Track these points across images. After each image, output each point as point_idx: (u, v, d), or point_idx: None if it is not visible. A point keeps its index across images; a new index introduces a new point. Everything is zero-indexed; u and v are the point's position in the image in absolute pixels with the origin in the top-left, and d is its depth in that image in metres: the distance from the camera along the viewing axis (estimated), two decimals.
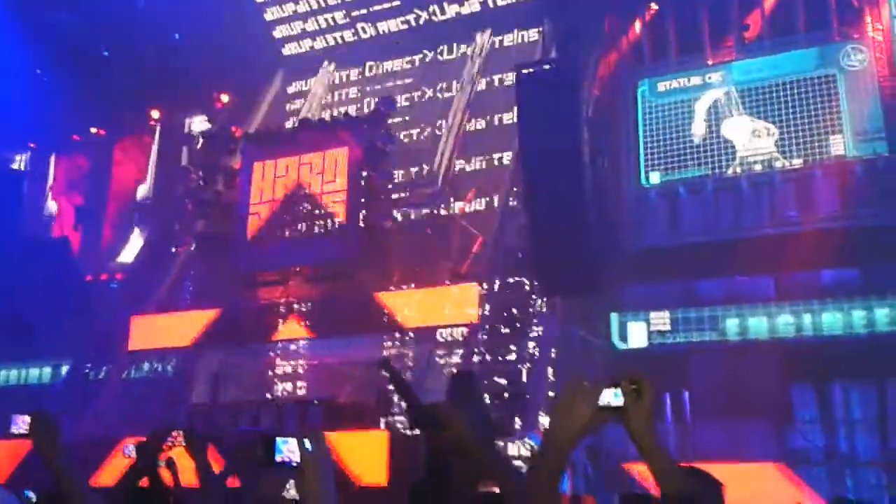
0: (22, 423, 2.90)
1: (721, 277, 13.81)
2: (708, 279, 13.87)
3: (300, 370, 17.13)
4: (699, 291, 13.96)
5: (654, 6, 15.64)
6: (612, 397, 2.04)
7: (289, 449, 2.44)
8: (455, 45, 18.60)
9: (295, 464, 2.40)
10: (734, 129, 14.79)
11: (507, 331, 14.90)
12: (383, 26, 19.09)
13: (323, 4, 19.31)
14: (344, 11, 19.24)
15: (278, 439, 2.48)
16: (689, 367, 12.67)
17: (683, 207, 14.35)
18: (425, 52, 18.90)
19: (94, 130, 20.33)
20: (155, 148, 20.04)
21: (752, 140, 14.53)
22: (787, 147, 14.33)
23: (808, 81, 14.51)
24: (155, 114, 20.08)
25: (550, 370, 14.44)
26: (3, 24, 19.39)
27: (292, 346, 17.21)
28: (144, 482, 3.88)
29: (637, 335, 13.92)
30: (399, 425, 13.17)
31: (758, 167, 14.48)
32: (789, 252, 13.19)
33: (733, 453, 12.54)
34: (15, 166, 20.13)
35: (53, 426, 2.77)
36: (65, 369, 17.86)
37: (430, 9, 18.51)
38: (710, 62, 15.33)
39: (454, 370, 13.46)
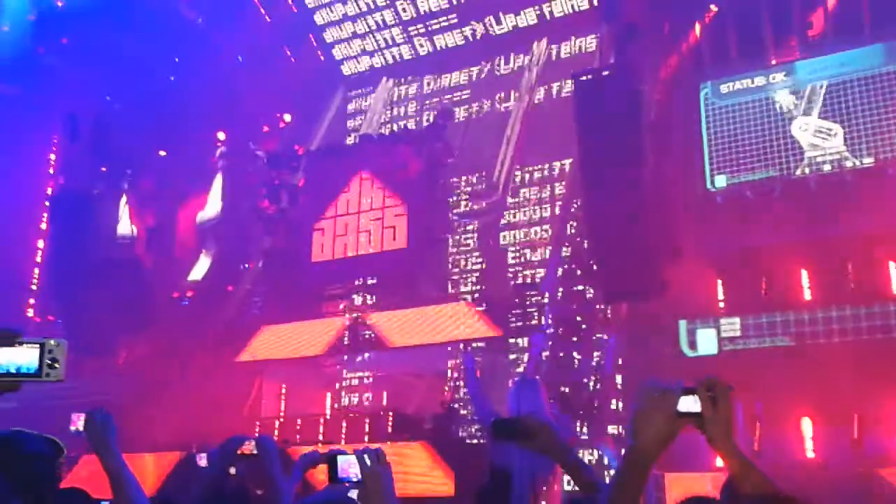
0: (78, 420, 2.90)
1: (793, 279, 13.49)
2: (779, 282, 13.56)
3: (366, 381, 17.30)
4: (771, 295, 13.64)
5: (713, 7, 15.40)
6: (690, 404, 2.01)
7: (349, 465, 2.49)
8: (512, 56, 18.61)
9: (356, 479, 2.46)
10: (801, 130, 14.46)
11: (571, 339, 14.81)
12: (440, 41, 19.22)
13: (381, 23, 19.54)
14: (401, 28, 19.44)
15: (339, 457, 2.53)
16: (763, 374, 12.35)
17: (751, 210, 14.04)
18: (483, 63, 18.95)
19: (162, 153, 20.87)
20: (221, 168, 20.49)
21: (820, 140, 14.18)
22: (857, 146, 13.94)
23: (876, 78, 14.11)
24: (221, 135, 20.55)
25: (617, 378, 14.30)
26: (72, 51, 20.13)
27: (358, 359, 17.40)
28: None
29: (707, 342, 13.66)
30: (464, 435, 13.19)
31: (827, 167, 14.11)
32: (862, 252, 12.83)
33: (816, 460, 12.22)
34: (84, 192, 20.63)
35: (108, 423, 2.74)
36: None
37: (487, 21, 18.56)
38: (773, 62, 15.02)
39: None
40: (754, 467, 2.15)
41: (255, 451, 4.01)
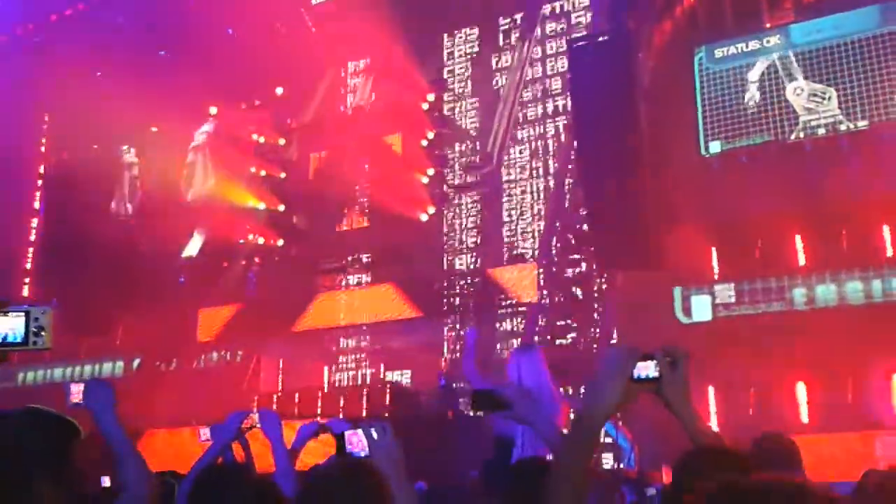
0: (77, 393, 2.85)
1: (787, 245, 13.51)
2: (774, 247, 13.58)
3: (363, 355, 17.35)
4: (765, 260, 13.67)
5: None
6: (647, 369, 2.04)
7: (357, 439, 2.50)
8: (504, 23, 18.33)
9: (364, 454, 2.46)
10: (795, 94, 14.39)
11: (567, 309, 14.86)
12: None
13: None
14: None
15: (346, 431, 2.53)
16: (757, 339, 12.41)
17: (746, 175, 14.01)
18: (475, 31, 18.68)
19: (154, 129, 20.72)
20: (210, 143, 20.34)
21: (815, 103, 14.14)
22: (852, 109, 13.89)
23: (871, 40, 14.03)
24: (212, 109, 20.38)
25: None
26: (62, 27, 19.92)
27: (354, 332, 17.44)
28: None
29: (701, 309, 13.70)
30: (462, 407, 13.25)
31: (821, 131, 14.07)
32: (857, 216, 12.84)
33: (811, 424, 12.32)
34: (77, 170, 20.52)
35: (108, 393, 2.68)
36: (136, 363, 18.39)
37: None
38: (767, 25, 14.91)
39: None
40: (712, 432, 2.22)
41: (258, 425, 4.02)
